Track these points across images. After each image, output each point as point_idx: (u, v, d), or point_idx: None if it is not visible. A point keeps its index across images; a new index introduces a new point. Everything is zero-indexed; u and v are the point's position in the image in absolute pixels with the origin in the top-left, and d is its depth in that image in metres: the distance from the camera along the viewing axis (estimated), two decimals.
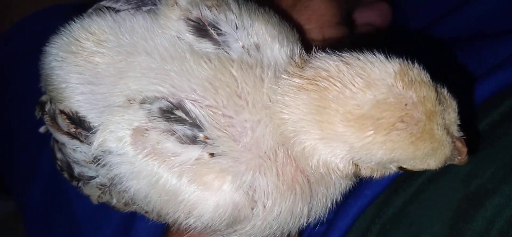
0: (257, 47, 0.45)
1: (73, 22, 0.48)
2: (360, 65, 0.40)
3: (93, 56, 0.46)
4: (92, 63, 0.46)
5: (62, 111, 0.47)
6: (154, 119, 0.42)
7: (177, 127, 0.42)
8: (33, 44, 0.87)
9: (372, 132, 0.39)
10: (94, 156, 0.45)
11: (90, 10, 0.49)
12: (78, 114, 0.46)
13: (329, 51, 0.43)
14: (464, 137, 0.43)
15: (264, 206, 0.44)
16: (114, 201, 0.50)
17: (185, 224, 0.44)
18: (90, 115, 0.46)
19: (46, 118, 0.50)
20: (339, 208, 0.59)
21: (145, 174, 0.42)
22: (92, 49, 0.46)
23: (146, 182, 0.43)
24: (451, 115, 0.41)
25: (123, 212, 0.53)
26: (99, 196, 0.51)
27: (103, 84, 0.45)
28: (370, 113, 0.39)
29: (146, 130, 0.42)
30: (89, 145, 0.45)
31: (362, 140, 0.39)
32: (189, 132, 0.42)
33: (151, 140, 0.42)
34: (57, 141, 0.51)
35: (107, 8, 0.48)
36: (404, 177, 0.56)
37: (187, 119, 0.42)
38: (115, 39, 0.46)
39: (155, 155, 0.42)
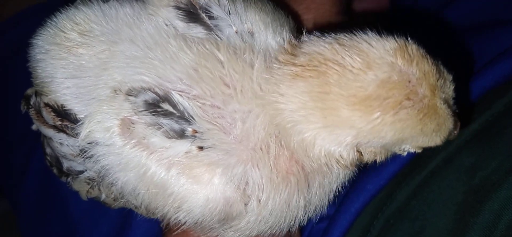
0: (251, 33, 0.43)
1: (59, 13, 0.47)
2: (355, 45, 0.39)
3: (78, 47, 0.44)
4: (76, 55, 0.44)
5: (47, 105, 0.46)
6: (139, 112, 0.41)
7: (164, 121, 0.41)
8: (27, 39, 0.87)
9: (379, 113, 0.37)
10: (80, 148, 0.44)
11: (78, 0, 0.48)
12: (64, 107, 0.45)
13: (319, 34, 0.41)
14: (457, 111, 0.42)
15: (259, 200, 0.42)
16: (103, 196, 0.49)
17: (174, 220, 0.43)
18: (76, 108, 0.44)
19: (32, 112, 0.49)
20: (340, 204, 0.58)
21: (132, 165, 0.41)
22: (76, 40, 0.45)
23: (134, 174, 0.42)
24: (449, 89, 0.40)
25: (113, 208, 0.52)
26: (88, 191, 0.50)
27: (87, 76, 0.44)
28: (376, 94, 0.37)
29: (132, 122, 0.41)
30: (75, 137, 0.44)
31: (370, 123, 0.38)
32: (176, 126, 0.41)
33: (137, 133, 0.41)
34: (45, 136, 0.49)
35: None
36: (407, 170, 0.55)
37: (175, 112, 0.41)
38: (100, 28, 0.44)
39: (142, 146, 0.41)
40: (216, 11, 0.43)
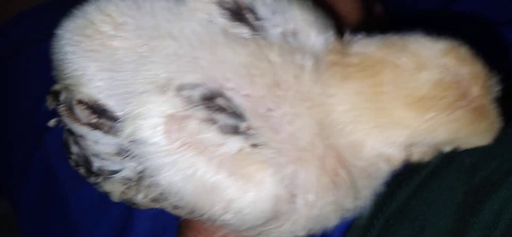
0: (295, 34, 0.43)
1: (86, 4, 0.44)
2: (407, 45, 0.39)
3: (111, 40, 0.42)
4: (110, 48, 0.42)
5: (80, 101, 0.43)
6: (194, 107, 0.39)
7: (219, 116, 0.39)
8: (27, 39, 0.87)
9: (435, 113, 0.38)
10: (120, 147, 0.42)
11: None
12: (98, 103, 0.42)
13: (365, 34, 0.41)
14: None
15: (306, 201, 0.41)
16: (140, 197, 0.46)
17: (220, 221, 0.41)
18: (112, 104, 0.42)
19: (62, 109, 0.46)
20: None
21: (181, 165, 0.39)
22: (109, 33, 0.42)
23: (182, 175, 0.40)
24: (497, 89, 0.41)
25: (143, 208, 0.49)
26: (122, 192, 0.47)
27: (124, 71, 0.42)
28: (430, 94, 0.38)
29: (184, 118, 0.39)
30: (114, 135, 0.42)
31: (425, 123, 0.38)
32: (231, 121, 0.40)
33: (190, 129, 0.39)
34: (71, 133, 0.47)
35: None
36: (407, 170, 0.55)
37: (229, 107, 0.40)
38: (134, 22, 0.42)
39: (192, 145, 0.39)
40: (261, 11, 0.42)
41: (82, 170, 0.48)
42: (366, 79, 0.39)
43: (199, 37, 0.41)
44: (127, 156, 0.42)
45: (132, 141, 0.40)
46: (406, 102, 0.38)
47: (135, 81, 0.41)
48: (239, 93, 0.40)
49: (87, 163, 0.47)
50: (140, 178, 0.43)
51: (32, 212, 0.81)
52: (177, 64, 0.41)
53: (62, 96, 0.46)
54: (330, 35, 0.43)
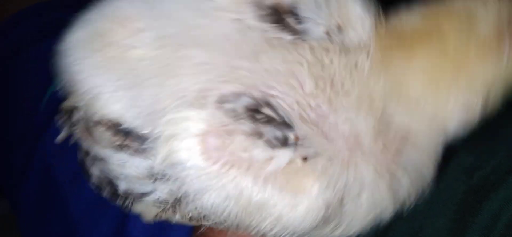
0: (339, 29, 0.39)
1: (92, 10, 0.40)
2: (450, 6, 0.39)
3: (127, 51, 0.38)
4: (127, 60, 0.38)
5: (99, 122, 0.39)
6: (239, 120, 0.35)
7: (265, 128, 0.35)
8: (27, 39, 0.87)
9: (507, 49, 0.38)
10: (153, 170, 0.38)
11: None
12: (121, 124, 0.38)
13: (405, 10, 0.40)
14: None
15: (359, 202, 0.39)
16: (177, 218, 0.42)
17: (267, 234, 0.39)
18: (136, 123, 0.38)
19: (77, 129, 0.42)
20: None
21: (224, 187, 0.36)
22: (124, 43, 0.38)
23: (226, 197, 0.36)
24: None
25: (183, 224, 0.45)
26: (157, 214, 0.43)
27: (148, 87, 0.37)
28: (496, 35, 0.37)
29: (228, 134, 0.35)
30: (143, 157, 0.38)
31: (501, 63, 0.38)
32: (279, 133, 0.36)
33: (234, 146, 0.35)
34: (87, 154, 0.42)
35: None
36: None
37: (276, 117, 0.36)
38: (151, 27, 0.38)
39: (237, 163, 0.35)
40: (304, 12, 0.38)
41: (106, 193, 0.44)
42: (429, 50, 0.38)
43: (233, 42, 0.37)
44: (160, 178, 0.38)
45: (168, 164, 0.36)
46: (478, 53, 0.37)
47: (161, 97, 0.37)
48: (285, 101, 0.36)
49: (111, 186, 0.42)
50: (177, 200, 0.39)
51: (32, 212, 0.81)
52: (211, 75, 0.36)
53: (76, 116, 0.41)
54: (375, 19, 0.40)
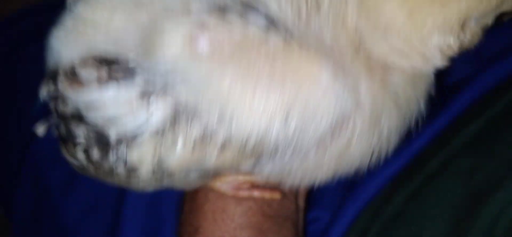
0: None
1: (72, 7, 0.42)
2: None
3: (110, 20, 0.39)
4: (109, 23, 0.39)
5: (85, 62, 0.39)
6: (225, 11, 0.35)
7: (252, 15, 0.35)
8: (29, 38, 0.87)
9: None
10: (144, 85, 0.37)
11: None
12: (109, 55, 0.38)
13: None
14: None
15: (365, 108, 0.38)
16: (179, 147, 0.39)
17: (282, 141, 0.37)
18: (119, 49, 0.38)
19: (63, 85, 0.41)
20: (337, 208, 0.57)
21: (225, 76, 0.34)
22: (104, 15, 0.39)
23: (228, 87, 0.34)
24: None
25: (187, 169, 0.41)
26: (155, 151, 0.39)
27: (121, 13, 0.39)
28: None
29: (219, 19, 0.35)
30: (132, 78, 0.38)
31: None
32: (265, 20, 0.36)
33: (229, 28, 0.35)
34: (72, 118, 0.42)
35: None
36: (403, 174, 0.55)
37: (261, 7, 0.36)
38: None
39: (234, 48, 0.35)
40: None
41: (96, 153, 0.42)
42: None
43: None
44: (153, 94, 0.37)
45: (156, 70, 0.36)
46: None
47: (144, 17, 0.38)
48: (266, 5, 0.37)
49: (102, 138, 0.41)
50: (175, 115, 0.38)
51: (26, 220, 0.80)
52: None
53: (61, 73, 0.41)
54: None
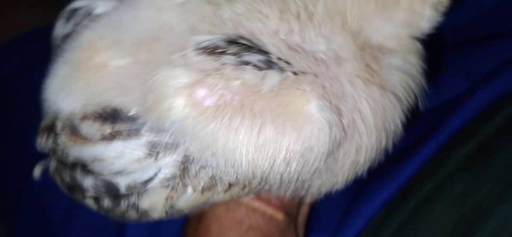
0: None
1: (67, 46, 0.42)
2: None
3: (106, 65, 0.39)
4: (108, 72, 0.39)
5: (85, 116, 0.39)
6: (221, 56, 0.36)
7: (249, 56, 0.36)
8: (28, 63, 0.87)
9: None
10: (151, 144, 0.37)
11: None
12: (110, 106, 0.38)
13: None
14: None
15: (362, 120, 0.39)
16: (189, 193, 0.40)
17: (287, 177, 0.38)
18: (122, 102, 0.38)
19: (63, 139, 0.41)
20: (335, 231, 0.57)
21: (225, 130, 0.35)
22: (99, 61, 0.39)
23: (229, 139, 0.35)
24: None
25: (197, 205, 0.42)
26: (167, 199, 0.40)
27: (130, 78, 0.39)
28: None
29: (216, 70, 0.35)
30: (138, 136, 0.38)
31: None
32: (261, 57, 0.36)
33: (224, 81, 0.35)
34: (76, 166, 0.41)
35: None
36: (399, 197, 0.55)
37: (253, 45, 0.37)
38: (118, 40, 0.40)
39: (230, 100, 0.35)
40: None
41: (106, 202, 0.42)
42: None
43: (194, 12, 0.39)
44: (161, 151, 0.38)
45: (163, 130, 0.37)
46: None
47: (139, 70, 0.38)
48: (254, 33, 0.38)
49: (111, 189, 0.41)
50: (184, 168, 0.38)
51: None
52: (183, 35, 0.38)
53: (59, 125, 0.41)
54: None
